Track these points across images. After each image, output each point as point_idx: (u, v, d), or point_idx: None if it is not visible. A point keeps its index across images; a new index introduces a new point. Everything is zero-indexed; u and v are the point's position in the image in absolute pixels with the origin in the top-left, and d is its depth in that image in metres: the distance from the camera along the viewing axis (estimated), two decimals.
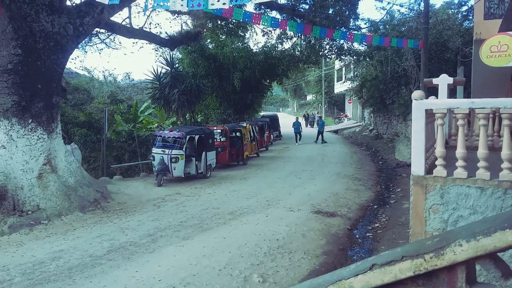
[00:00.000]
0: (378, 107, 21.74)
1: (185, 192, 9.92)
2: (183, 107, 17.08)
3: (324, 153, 17.26)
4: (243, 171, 13.38)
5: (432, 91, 7.30)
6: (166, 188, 10.41)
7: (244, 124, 16.60)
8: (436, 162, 4.20)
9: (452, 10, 19.89)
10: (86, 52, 29.64)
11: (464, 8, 19.26)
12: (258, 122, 19.41)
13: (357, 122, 32.50)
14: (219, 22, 15.42)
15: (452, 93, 8.42)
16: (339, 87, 37.32)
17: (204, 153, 11.78)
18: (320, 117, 31.57)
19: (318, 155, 16.73)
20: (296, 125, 21.02)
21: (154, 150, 11.21)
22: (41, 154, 7.80)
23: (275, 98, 65.48)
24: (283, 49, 22.16)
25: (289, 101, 68.35)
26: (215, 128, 14.60)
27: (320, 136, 21.24)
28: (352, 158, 16.29)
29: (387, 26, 18.81)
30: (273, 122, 23.53)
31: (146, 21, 19.71)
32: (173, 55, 19.06)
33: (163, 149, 10.98)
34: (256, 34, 46.34)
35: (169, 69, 17.79)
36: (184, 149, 11.04)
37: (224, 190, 10.19)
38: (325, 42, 18.40)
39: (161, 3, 5.76)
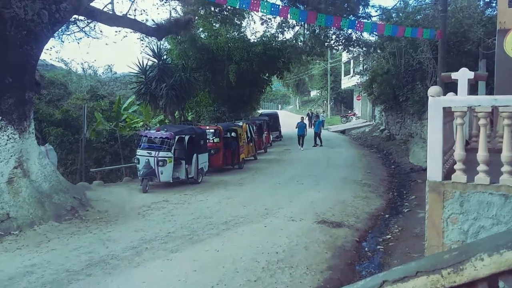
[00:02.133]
0: (390, 105, 21.80)
1: (174, 200, 9.89)
2: (172, 103, 17.07)
3: (329, 156, 17.28)
4: (239, 175, 13.35)
5: (450, 86, 7.34)
6: (152, 195, 10.37)
7: (240, 123, 16.61)
8: (455, 167, 4.21)
9: None
10: (63, 42, 29.54)
11: None
12: (256, 121, 19.41)
13: (366, 121, 32.59)
14: (212, 8, 15.44)
15: (473, 89, 8.45)
16: (347, 82, 37.45)
17: (195, 155, 11.76)
18: (317, 116, 31.45)
19: (323, 158, 16.74)
20: (301, 127, 20.25)
21: (139, 152, 11.19)
22: (11, 156, 7.76)
23: (275, 94, 65.67)
24: (284, 39, 22.23)
25: (290, 97, 68.56)
26: (207, 127, 14.59)
27: (317, 138, 21.01)
28: (361, 161, 16.31)
29: (400, 14, 18.86)
30: (273, 121, 23.57)
31: (130, 7, 19.77)
32: (161, 46, 19.06)
33: (149, 151, 10.96)
34: (254, 22, 46.29)
35: (156, 61, 17.79)
36: (172, 151, 11.02)
37: (217, 197, 10.17)
38: (331, 32, 18.44)
39: None
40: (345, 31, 17.51)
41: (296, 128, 20.60)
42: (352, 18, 14.32)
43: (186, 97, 17.94)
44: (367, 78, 25.09)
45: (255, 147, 17.37)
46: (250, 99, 23.90)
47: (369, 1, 17.49)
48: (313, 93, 55.62)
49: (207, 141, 13.42)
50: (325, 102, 45.63)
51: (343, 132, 29.94)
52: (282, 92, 65.89)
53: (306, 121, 23.17)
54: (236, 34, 21.97)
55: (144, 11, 39.16)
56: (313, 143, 20.85)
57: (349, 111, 39.77)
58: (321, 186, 11.36)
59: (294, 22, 18.30)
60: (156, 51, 17.97)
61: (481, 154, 4.08)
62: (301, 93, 58.49)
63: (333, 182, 11.88)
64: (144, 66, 17.68)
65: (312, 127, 25.08)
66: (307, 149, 19.68)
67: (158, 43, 18.41)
